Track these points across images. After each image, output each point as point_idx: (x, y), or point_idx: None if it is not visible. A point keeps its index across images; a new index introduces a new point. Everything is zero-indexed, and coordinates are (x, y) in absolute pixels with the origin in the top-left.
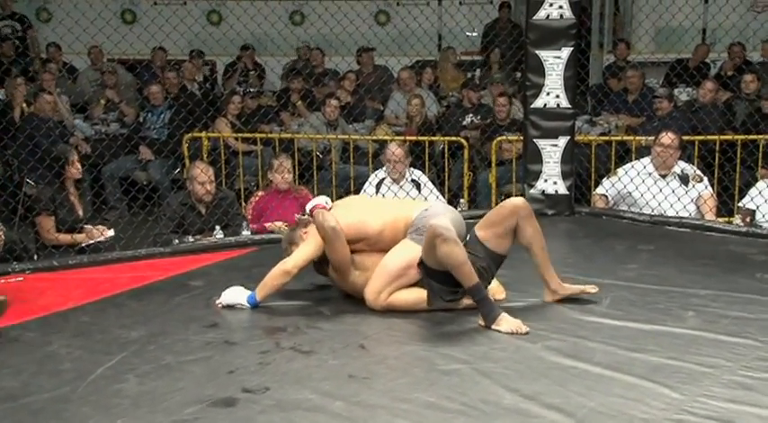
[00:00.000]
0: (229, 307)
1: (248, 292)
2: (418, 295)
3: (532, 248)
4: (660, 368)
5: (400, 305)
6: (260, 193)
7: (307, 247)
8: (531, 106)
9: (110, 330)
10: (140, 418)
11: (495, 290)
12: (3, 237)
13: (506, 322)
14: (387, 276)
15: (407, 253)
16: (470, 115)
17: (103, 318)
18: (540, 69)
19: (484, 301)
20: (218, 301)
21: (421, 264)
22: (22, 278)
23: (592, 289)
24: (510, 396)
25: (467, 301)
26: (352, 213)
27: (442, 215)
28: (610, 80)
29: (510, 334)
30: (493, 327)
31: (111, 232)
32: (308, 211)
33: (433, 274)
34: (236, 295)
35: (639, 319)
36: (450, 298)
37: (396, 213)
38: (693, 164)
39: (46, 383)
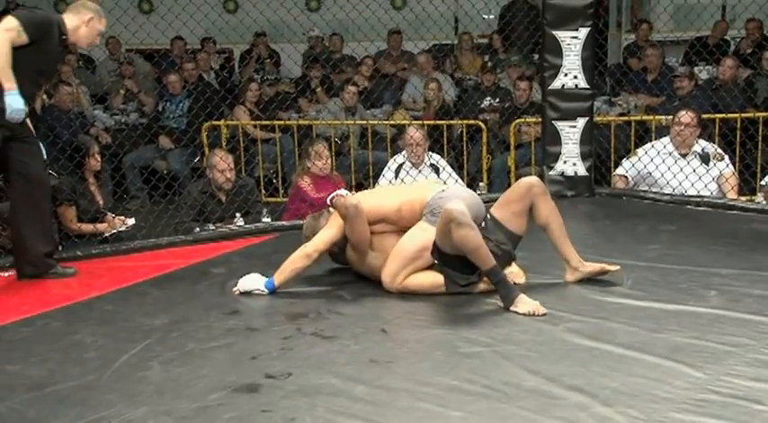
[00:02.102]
0: (246, 293)
1: (265, 279)
2: (434, 279)
3: (550, 227)
4: (683, 348)
5: (416, 288)
6: (306, 180)
7: (327, 231)
8: (549, 88)
9: (133, 318)
10: (165, 404)
11: (516, 274)
12: None
13: (524, 304)
14: (402, 259)
15: (422, 235)
16: (488, 98)
17: (127, 306)
18: (557, 50)
19: (501, 283)
20: (234, 288)
21: (435, 250)
22: None
23: (613, 267)
24: (532, 378)
25: (483, 286)
26: (371, 197)
27: (457, 198)
28: (629, 59)
29: (528, 315)
30: (511, 308)
31: (132, 221)
32: (328, 202)
33: (448, 261)
34: (253, 281)
35: (661, 298)
36: (465, 283)
37: (412, 194)
38: (714, 142)
39: (71, 371)
